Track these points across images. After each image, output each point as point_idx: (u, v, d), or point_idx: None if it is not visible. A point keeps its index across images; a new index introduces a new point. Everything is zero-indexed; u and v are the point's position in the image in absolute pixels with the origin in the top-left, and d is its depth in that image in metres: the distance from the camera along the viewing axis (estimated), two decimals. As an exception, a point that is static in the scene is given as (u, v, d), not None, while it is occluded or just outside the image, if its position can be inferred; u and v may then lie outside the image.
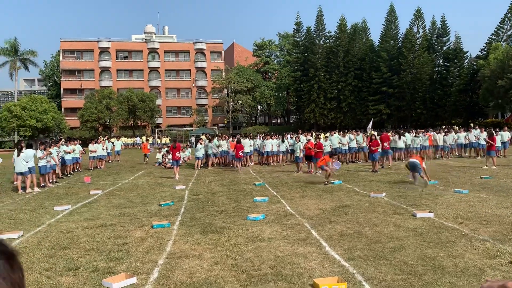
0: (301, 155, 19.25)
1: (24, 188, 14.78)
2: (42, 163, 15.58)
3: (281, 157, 23.39)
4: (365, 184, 14.11)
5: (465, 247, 6.57)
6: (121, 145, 39.59)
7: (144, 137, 51.11)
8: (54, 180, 17.44)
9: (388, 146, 19.91)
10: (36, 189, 15.02)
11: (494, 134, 19.42)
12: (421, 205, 10.09)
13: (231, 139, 23.29)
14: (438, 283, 5.19)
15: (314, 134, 26.22)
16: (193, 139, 47.52)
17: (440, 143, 23.30)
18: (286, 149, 23.04)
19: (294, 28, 67.03)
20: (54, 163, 16.98)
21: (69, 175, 20.02)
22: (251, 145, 23.00)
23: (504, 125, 33.45)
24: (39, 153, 15.40)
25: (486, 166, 18.05)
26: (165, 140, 49.31)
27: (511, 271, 5.48)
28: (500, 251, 6.34)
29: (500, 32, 54.98)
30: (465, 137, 23.93)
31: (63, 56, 76.80)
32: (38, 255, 6.87)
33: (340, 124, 59.37)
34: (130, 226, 8.83)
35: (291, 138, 23.29)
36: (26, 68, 64.19)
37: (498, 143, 23.22)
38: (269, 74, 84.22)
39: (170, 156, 20.20)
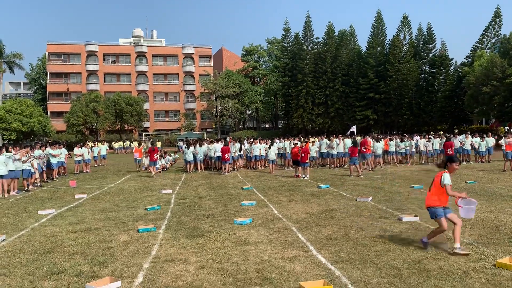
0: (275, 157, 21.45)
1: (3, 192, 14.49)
2: (25, 166, 15.36)
3: (271, 165, 22.70)
4: (352, 189, 14.18)
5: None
6: (118, 148, 38.67)
7: (135, 142, 49.15)
8: (39, 184, 17.19)
9: (365, 150, 20.28)
10: (12, 193, 14.72)
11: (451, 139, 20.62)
12: (407, 209, 10.16)
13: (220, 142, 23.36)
14: (423, 286, 5.22)
15: (302, 138, 26.28)
16: (181, 143, 47.18)
17: (423, 148, 23.72)
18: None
19: (282, 34, 67.41)
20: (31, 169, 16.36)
21: (55, 179, 19.77)
22: (235, 151, 22.90)
23: (489, 131, 33.91)
24: (17, 156, 15.07)
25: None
26: (159, 144, 48.09)
27: (495, 273, 5.54)
28: (484, 254, 6.41)
29: (485, 40, 55.88)
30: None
31: (50, 59, 76.06)
32: (21, 259, 6.75)
33: (328, 129, 59.67)
34: (115, 230, 8.73)
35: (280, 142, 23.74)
36: (12, 71, 63.25)
37: (482, 148, 23.62)
38: (258, 79, 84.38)
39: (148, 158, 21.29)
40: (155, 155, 20.66)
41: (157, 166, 21.49)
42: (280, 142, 24.56)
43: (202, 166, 22.78)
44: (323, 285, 5.17)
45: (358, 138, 24.59)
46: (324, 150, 22.65)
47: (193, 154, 22.20)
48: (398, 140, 23.74)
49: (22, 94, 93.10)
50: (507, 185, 14.19)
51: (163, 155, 24.64)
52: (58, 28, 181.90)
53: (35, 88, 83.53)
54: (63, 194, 14.62)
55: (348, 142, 22.74)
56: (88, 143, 28.24)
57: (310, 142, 22.51)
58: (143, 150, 24.87)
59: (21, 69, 64.45)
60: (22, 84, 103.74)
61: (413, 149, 23.31)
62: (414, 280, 5.41)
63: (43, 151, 18.63)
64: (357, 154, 18.76)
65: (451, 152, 19.03)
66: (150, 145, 21.41)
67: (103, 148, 29.82)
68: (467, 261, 6.08)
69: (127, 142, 52.93)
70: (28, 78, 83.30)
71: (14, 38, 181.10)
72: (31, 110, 52.62)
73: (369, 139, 21.88)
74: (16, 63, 62.52)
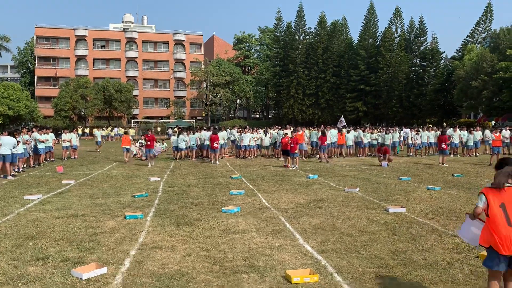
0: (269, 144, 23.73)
1: None
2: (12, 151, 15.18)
3: (267, 151, 24.26)
4: (340, 179, 14.25)
5: (435, 242, 6.71)
6: (105, 136, 38.91)
7: (122, 129, 47.70)
8: (21, 169, 16.93)
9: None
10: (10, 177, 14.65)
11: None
12: (394, 201, 10.25)
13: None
14: (408, 276, 5.28)
15: (291, 128, 26.39)
16: (170, 131, 46.89)
17: (411, 141, 24.00)
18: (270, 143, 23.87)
19: (274, 23, 67.07)
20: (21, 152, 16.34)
21: (42, 164, 19.55)
22: (223, 138, 23.04)
23: (477, 125, 34.26)
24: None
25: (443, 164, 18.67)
26: (132, 132, 47.07)
27: (478, 265, 5.63)
28: (468, 246, 6.49)
29: (475, 34, 56.24)
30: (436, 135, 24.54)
31: (38, 43, 74.84)
32: (6, 244, 6.68)
33: (318, 120, 59.82)
34: (102, 216, 8.68)
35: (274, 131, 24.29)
36: (-2, 54, 62.08)
37: (470, 142, 23.84)
38: (249, 68, 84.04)
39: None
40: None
41: (154, 152, 20.99)
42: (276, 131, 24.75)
43: (194, 155, 22.67)
44: (309, 273, 5.20)
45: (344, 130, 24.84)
46: (315, 140, 23.08)
47: (184, 142, 22.12)
48: (384, 133, 23.97)
49: (9, 78, 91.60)
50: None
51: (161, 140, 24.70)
52: (46, 11, 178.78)
53: (22, 72, 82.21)
54: (50, 180, 14.48)
55: (334, 132, 22.93)
56: (78, 128, 28.14)
57: (303, 131, 23.01)
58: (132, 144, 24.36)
59: (8, 52, 63.14)
60: (9, 67, 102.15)
61: (395, 140, 23.79)
62: (399, 270, 5.47)
63: (29, 136, 18.38)
64: (325, 143, 20.53)
65: (444, 147, 19.02)
66: (149, 133, 21.08)
67: (98, 134, 30.06)
68: (451, 252, 6.17)
69: (109, 129, 51.03)
70: (16, 62, 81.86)
71: (0, 20, 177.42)
72: (18, 94, 51.82)
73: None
74: (3, 46, 61.25)
